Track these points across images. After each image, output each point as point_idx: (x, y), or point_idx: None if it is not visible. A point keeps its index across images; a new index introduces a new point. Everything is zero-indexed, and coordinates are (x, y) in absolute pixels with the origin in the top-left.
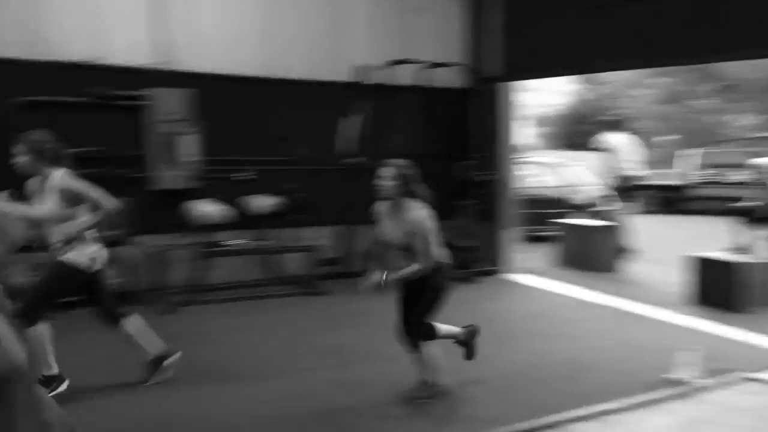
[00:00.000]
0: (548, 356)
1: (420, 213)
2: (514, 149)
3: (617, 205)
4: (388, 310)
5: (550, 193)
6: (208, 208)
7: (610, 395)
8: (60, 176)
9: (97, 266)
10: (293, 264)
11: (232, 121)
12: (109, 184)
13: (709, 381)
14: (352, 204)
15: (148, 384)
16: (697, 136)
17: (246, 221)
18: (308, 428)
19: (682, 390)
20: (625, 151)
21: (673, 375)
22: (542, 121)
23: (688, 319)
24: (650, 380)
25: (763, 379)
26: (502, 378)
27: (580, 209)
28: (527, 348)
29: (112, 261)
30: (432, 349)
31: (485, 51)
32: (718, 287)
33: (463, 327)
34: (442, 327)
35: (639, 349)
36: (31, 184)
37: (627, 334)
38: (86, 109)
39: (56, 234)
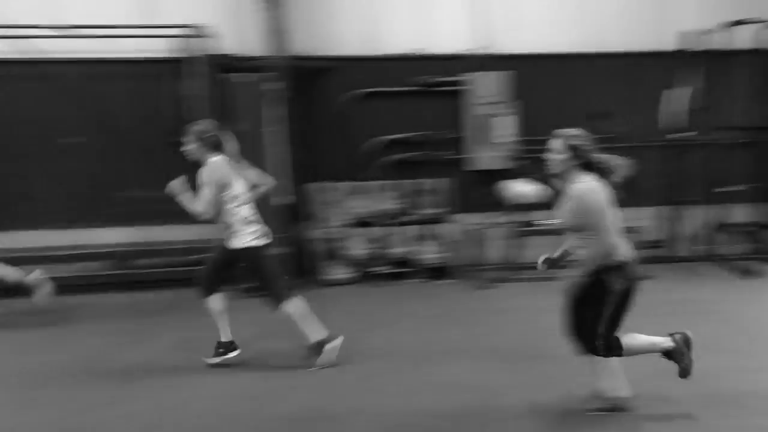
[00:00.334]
0: None
1: (585, 187)
2: None
3: None
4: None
5: None
6: (523, 188)
7: None
8: (214, 163)
9: (259, 247)
10: None
11: (547, 99)
12: (430, 165)
13: None
14: (678, 183)
15: (312, 369)
16: None
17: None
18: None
19: None
20: None
21: None
22: None
23: None
24: None
25: None
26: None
27: None
28: None
29: (432, 237)
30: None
31: None
32: None
33: (669, 335)
34: (636, 339)
35: None
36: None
37: None
38: (412, 97)
39: (222, 217)
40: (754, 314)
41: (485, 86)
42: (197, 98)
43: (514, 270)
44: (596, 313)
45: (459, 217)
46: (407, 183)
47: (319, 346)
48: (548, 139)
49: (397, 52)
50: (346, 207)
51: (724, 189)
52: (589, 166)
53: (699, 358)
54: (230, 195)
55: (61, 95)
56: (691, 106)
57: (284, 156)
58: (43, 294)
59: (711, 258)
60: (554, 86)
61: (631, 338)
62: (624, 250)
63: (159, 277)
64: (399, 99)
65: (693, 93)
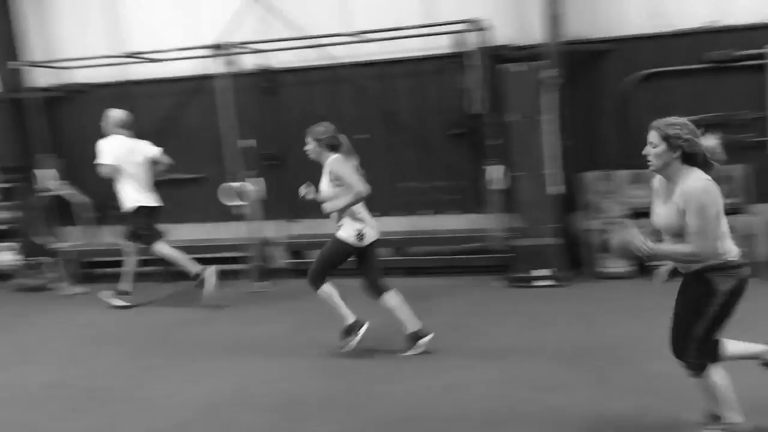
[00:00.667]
0: None
1: (695, 185)
2: None
3: None
4: None
5: None
6: None
7: None
8: (331, 161)
9: (366, 242)
10: None
11: None
12: (725, 150)
13: None
14: None
15: (405, 354)
16: None
17: None
18: None
19: None
20: None
21: None
22: None
23: None
24: None
25: None
26: None
27: None
28: None
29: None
30: (718, 375)
31: None
32: None
33: None
34: (735, 345)
35: None
36: None
37: None
38: (703, 75)
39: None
40: None
41: None
42: (475, 91)
43: None
44: (696, 316)
45: (759, 208)
46: None
47: (414, 339)
48: None
49: (687, 27)
50: (625, 196)
51: None
52: (691, 158)
53: None
54: (341, 190)
55: (350, 96)
56: None
57: (557, 144)
58: (210, 288)
59: None
60: None
61: (730, 345)
62: (732, 249)
63: (433, 264)
64: (687, 78)
65: None
